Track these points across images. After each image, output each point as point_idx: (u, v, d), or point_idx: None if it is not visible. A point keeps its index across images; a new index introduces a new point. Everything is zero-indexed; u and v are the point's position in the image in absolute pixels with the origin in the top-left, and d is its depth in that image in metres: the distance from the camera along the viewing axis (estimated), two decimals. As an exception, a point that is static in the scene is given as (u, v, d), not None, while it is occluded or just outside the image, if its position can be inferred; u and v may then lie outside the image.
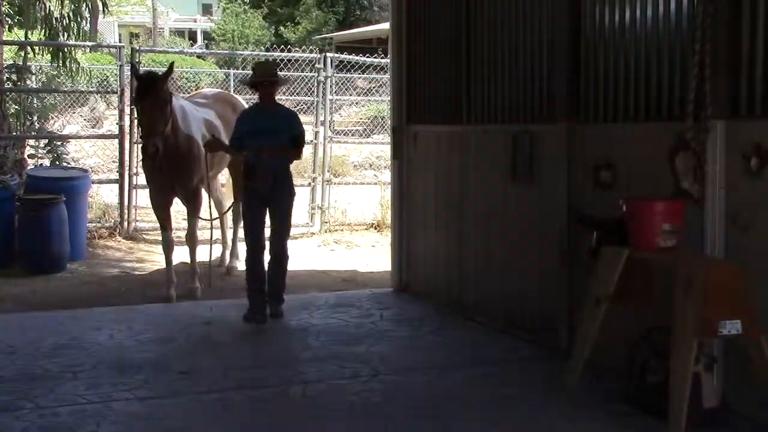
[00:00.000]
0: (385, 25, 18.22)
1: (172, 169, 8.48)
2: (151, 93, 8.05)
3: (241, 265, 9.38)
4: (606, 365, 6.02)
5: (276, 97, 8.05)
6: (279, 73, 8.27)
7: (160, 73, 8.39)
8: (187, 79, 27.63)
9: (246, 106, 9.88)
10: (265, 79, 7.81)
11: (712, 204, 5.42)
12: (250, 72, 8.59)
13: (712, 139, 5.40)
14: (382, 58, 16.59)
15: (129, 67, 12.87)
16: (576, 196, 6.66)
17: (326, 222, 13.66)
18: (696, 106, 5.47)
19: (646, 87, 6.10)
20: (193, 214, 9.10)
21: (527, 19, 7.34)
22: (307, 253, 11.62)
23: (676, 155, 5.60)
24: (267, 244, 8.05)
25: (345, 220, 13.84)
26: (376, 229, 13.60)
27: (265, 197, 7.80)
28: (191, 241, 9.06)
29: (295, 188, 8.18)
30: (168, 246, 8.94)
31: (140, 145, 8.84)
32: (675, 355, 5.04)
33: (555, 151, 6.87)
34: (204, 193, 9.22)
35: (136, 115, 9.28)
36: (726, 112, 5.39)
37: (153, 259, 11.09)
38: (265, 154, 7.63)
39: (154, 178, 8.80)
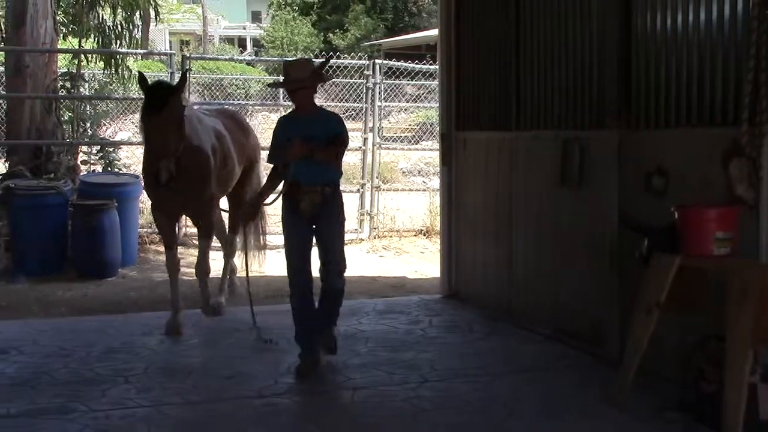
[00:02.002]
0: (434, 32, 18.16)
1: (180, 184, 7.08)
2: (163, 109, 6.83)
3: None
4: (657, 373, 5.95)
5: (315, 100, 6.88)
6: (316, 66, 6.81)
7: (172, 84, 7.37)
8: (236, 86, 27.86)
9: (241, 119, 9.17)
10: (296, 86, 6.56)
11: (766, 211, 5.34)
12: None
13: (767, 144, 5.32)
14: (430, 64, 16.58)
15: (180, 74, 13.08)
16: (627, 202, 6.60)
17: (375, 228, 13.67)
18: (751, 110, 5.39)
19: (699, 91, 6.02)
20: (205, 235, 7.97)
21: (577, 24, 7.29)
22: (355, 260, 11.61)
23: (731, 161, 5.52)
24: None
25: (394, 227, 13.84)
26: (424, 235, 13.59)
27: (311, 223, 6.58)
28: (202, 267, 7.96)
29: (344, 199, 6.88)
30: (173, 266, 7.85)
31: (143, 169, 7.71)
32: (729, 365, 4.96)
33: (605, 157, 6.81)
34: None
35: (141, 132, 7.57)
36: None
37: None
38: (290, 151, 6.39)
39: (159, 194, 7.51)
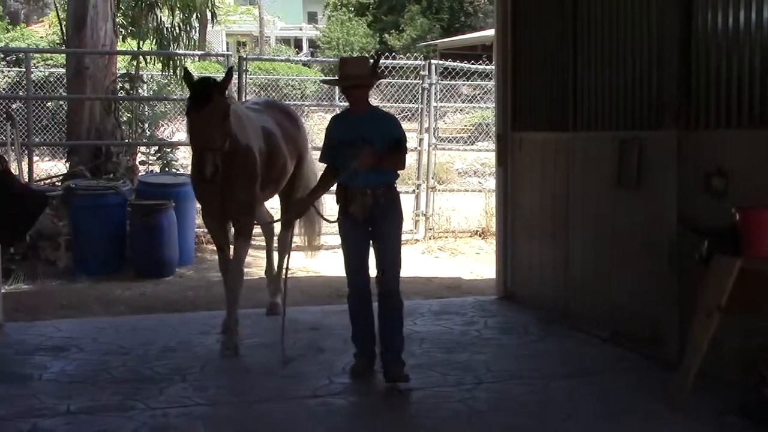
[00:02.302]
0: (490, 32, 18.15)
1: (226, 183, 6.99)
2: (207, 103, 6.70)
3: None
4: (718, 377, 5.87)
5: (372, 101, 6.75)
6: (372, 64, 6.60)
7: (217, 80, 7.11)
8: (292, 87, 28.00)
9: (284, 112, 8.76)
10: (352, 83, 6.38)
11: (831, 212, 5.24)
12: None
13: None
14: (486, 64, 16.52)
15: (236, 75, 13.16)
16: (686, 203, 6.52)
17: (430, 229, 13.66)
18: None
19: (762, 91, 5.93)
20: (244, 238, 7.57)
21: (635, 22, 7.21)
22: (411, 260, 11.62)
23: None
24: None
25: (449, 227, 13.82)
26: (480, 236, 13.55)
27: (366, 226, 6.36)
28: (237, 269, 7.55)
29: (401, 199, 6.63)
30: (227, 267, 7.60)
31: (191, 163, 7.44)
32: (791, 368, 4.88)
33: (664, 157, 6.74)
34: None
35: (187, 129, 7.48)
36: None
37: (259, 264, 11.23)
38: (356, 164, 6.16)
39: (207, 197, 7.43)
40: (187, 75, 7.09)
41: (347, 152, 6.23)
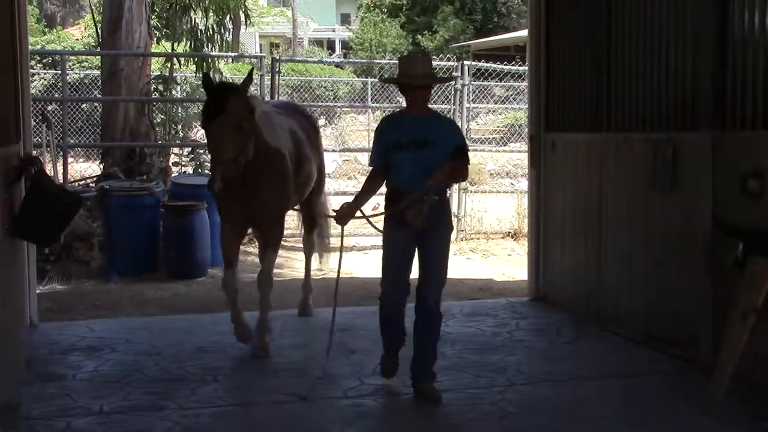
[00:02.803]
0: (523, 32, 18.05)
1: (253, 193, 6.60)
2: (219, 113, 6.19)
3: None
4: (753, 381, 5.81)
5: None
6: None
7: (236, 84, 6.58)
8: (325, 88, 28.07)
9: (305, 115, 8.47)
10: (423, 82, 5.92)
11: None
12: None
13: None
14: (519, 65, 16.49)
15: (269, 77, 13.22)
16: (721, 205, 6.47)
17: (462, 230, 13.64)
18: None
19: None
20: (273, 248, 7.11)
21: (670, 22, 7.16)
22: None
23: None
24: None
25: (481, 229, 13.80)
26: (512, 237, 13.52)
27: (414, 234, 5.90)
28: (266, 281, 7.11)
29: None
30: (232, 288, 7.09)
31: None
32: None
33: (699, 159, 6.69)
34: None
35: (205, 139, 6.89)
36: None
37: (291, 265, 11.29)
38: (436, 175, 5.70)
39: (231, 204, 6.82)
40: (205, 79, 6.61)
41: (403, 156, 5.83)
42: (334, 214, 6.09)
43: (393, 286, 6.04)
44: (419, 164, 5.73)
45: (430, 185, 5.67)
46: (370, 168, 6.28)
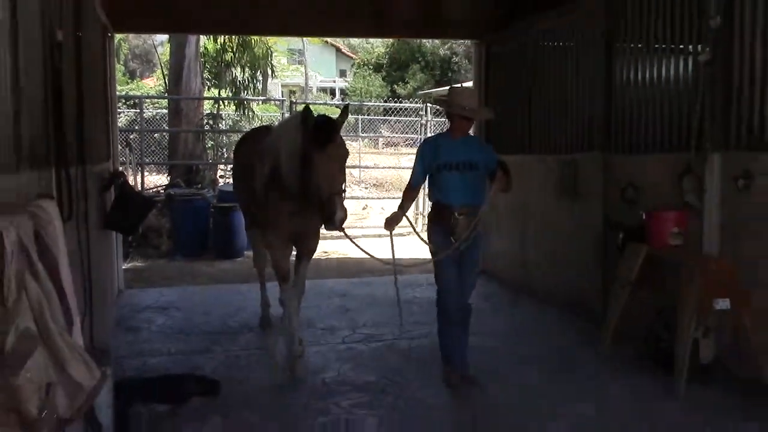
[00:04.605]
0: (470, 83, 18.09)
1: (306, 209, 4.94)
2: (329, 143, 4.62)
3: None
4: (632, 336, 5.88)
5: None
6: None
7: (336, 118, 4.79)
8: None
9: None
10: (473, 115, 5.02)
11: (709, 214, 5.25)
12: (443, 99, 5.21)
13: (709, 165, 5.23)
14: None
15: (289, 114, 13.19)
16: (608, 208, 6.52)
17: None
18: (697, 139, 5.31)
19: (662, 127, 5.95)
20: (308, 260, 5.52)
21: (574, 73, 7.22)
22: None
23: (683, 177, 5.45)
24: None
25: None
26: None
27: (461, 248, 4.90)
28: (302, 285, 5.48)
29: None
30: (295, 304, 5.39)
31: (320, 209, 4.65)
32: (680, 325, 4.90)
33: (593, 174, 6.74)
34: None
35: (309, 169, 4.67)
36: (721, 145, 5.22)
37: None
38: (498, 185, 4.85)
39: (286, 220, 5.15)
40: (307, 113, 4.72)
41: (453, 174, 4.93)
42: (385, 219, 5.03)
43: (449, 295, 4.96)
44: (465, 182, 4.92)
45: (493, 193, 4.89)
46: (408, 182, 5.20)
